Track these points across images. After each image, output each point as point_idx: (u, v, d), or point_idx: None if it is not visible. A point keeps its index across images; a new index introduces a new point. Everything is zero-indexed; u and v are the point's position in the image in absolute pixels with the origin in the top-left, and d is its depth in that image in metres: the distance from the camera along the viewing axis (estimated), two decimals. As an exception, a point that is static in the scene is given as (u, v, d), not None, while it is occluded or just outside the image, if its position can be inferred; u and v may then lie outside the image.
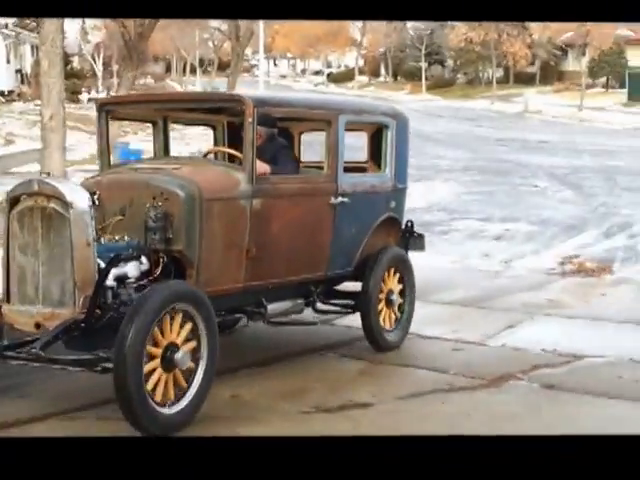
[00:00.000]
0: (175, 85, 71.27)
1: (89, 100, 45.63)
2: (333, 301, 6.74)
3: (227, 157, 6.74)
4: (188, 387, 4.92)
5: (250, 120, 5.59)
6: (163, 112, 6.61)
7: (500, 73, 58.97)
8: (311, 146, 7.67)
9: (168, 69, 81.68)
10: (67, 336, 4.85)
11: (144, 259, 5.23)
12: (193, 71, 71.31)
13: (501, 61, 54.52)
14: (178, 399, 4.87)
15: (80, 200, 4.95)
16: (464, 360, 6.68)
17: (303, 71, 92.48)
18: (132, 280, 5.16)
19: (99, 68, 56.53)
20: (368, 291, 6.51)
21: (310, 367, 6.44)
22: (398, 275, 6.83)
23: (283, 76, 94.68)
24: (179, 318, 4.84)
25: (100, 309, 4.94)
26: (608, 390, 5.93)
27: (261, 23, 39.09)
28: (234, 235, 5.57)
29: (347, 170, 6.46)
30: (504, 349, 7.01)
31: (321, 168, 6.46)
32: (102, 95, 48.06)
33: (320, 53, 78.64)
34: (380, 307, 6.66)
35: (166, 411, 4.77)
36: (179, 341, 4.84)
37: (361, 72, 76.01)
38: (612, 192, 16.47)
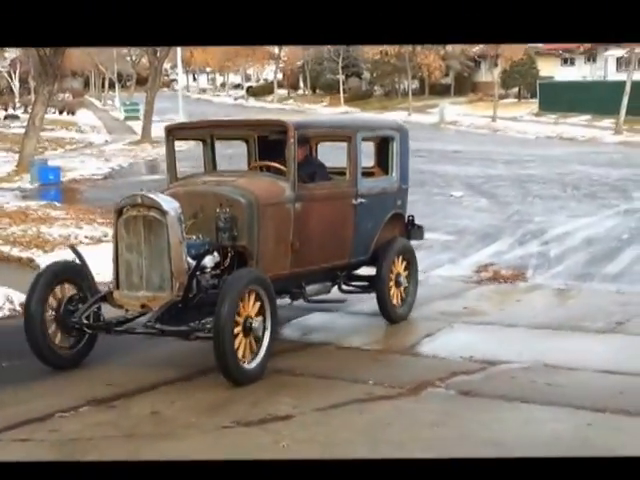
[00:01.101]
0: (94, 101, 70.10)
1: (6, 117, 44.65)
2: (354, 283, 8.15)
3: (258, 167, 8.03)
4: (258, 349, 6.25)
5: (292, 141, 6.95)
6: (212, 133, 7.96)
7: (416, 85, 59.95)
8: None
9: (87, 84, 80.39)
10: (167, 314, 6.20)
11: (216, 253, 6.57)
12: (112, 86, 70.37)
13: (416, 73, 55.40)
14: (252, 358, 6.20)
15: (173, 209, 6.25)
16: (384, 370, 6.75)
17: (223, 85, 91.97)
18: (208, 269, 6.50)
19: (15, 84, 55.32)
20: (381, 274, 7.88)
21: (230, 381, 6.43)
22: (404, 261, 8.18)
23: (203, 90, 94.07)
24: (253, 296, 6.18)
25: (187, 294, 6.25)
26: (522, 395, 6.05)
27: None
28: (282, 232, 6.94)
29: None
30: (423, 357, 7.12)
31: (340, 173, 7.85)
32: (19, 112, 47.13)
33: (239, 67, 78.44)
34: (390, 287, 7.94)
35: (246, 366, 6.13)
36: (252, 314, 6.17)
37: (280, 85, 76.23)
38: (525, 200, 16.80)
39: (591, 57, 52.74)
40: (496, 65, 50.87)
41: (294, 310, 8.45)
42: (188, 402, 5.91)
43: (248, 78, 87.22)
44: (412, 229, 8.53)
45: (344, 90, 63.56)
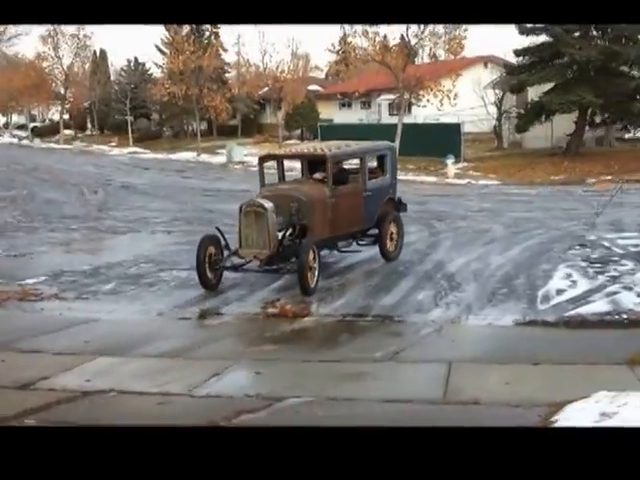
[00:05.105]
0: None
1: None
2: (366, 239, 13.63)
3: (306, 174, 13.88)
4: (314, 278, 11.40)
5: (329, 165, 12.41)
6: (282, 159, 13.91)
7: (204, 126, 60.26)
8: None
9: None
10: (267, 261, 11.44)
11: (290, 228, 11.68)
12: None
13: (204, 115, 55.71)
14: (313, 282, 11.34)
15: (270, 206, 11.40)
16: (170, 413, 6.68)
17: (6, 125, 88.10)
18: (286, 237, 11.65)
19: None
20: (382, 233, 13.45)
21: None
22: (395, 225, 13.75)
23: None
24: (312, 251, 11.33)
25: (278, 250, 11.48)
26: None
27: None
28: (325, 215, 12.23)
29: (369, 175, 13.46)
30: (209, 397, 7.11)
31: (355, 172, 13.52)
32: None
33: (23, 107, 75.38)
34: (387, 241, 13.50)
35: (312, 286, 11.29)
36: (312, 260, 11.25)
37: (67, 126, 73.99)
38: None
39: (366, 102, 55.51)
40: (280, 108, 52.36)
41: (79, 357, 8.24)
42: None
43: (33, 118, 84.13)
44: (399, 205, 14.22)
45: (133, 131, 62.79)
